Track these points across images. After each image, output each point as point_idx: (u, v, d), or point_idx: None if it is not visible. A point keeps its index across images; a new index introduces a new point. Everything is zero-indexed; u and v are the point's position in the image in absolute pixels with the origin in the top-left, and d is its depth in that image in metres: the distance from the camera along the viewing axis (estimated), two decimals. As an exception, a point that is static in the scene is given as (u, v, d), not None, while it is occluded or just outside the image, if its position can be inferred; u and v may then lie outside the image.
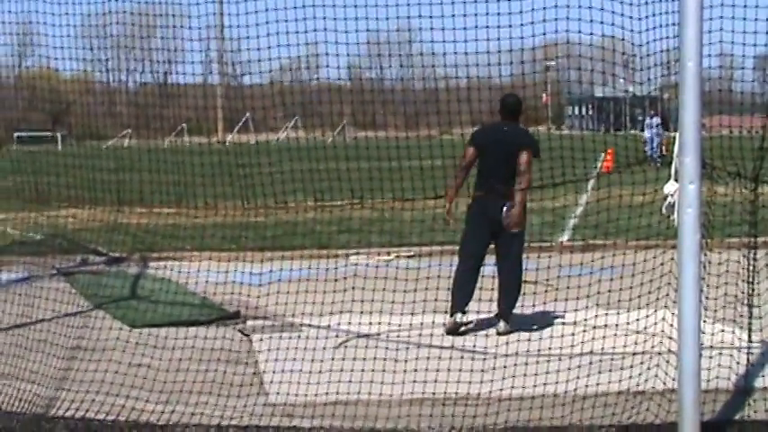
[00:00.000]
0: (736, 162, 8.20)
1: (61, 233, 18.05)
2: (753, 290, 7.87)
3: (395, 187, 12.47)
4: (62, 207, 18.50)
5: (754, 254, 7.84)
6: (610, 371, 8.92)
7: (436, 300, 9.93)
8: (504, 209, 10.57)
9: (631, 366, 8.58)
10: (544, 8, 8.18)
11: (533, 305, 10.70)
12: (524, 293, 10.79)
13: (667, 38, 7.48)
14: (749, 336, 8.05)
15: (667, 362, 7.94)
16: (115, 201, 15.91)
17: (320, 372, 8.61)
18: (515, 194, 10.58)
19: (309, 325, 10.94)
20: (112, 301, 12.71)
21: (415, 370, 8.56)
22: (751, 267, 7.83)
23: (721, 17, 7.83)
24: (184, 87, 14.98)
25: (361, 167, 12.73)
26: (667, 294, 8.11)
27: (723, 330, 8.53)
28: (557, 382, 8.32)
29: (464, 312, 10.64)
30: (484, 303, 10.48)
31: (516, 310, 10.91)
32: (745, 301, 7.89)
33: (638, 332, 9.52)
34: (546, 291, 10.82)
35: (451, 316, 10.63)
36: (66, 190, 12.99)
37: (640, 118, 46.62)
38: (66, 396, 8.28)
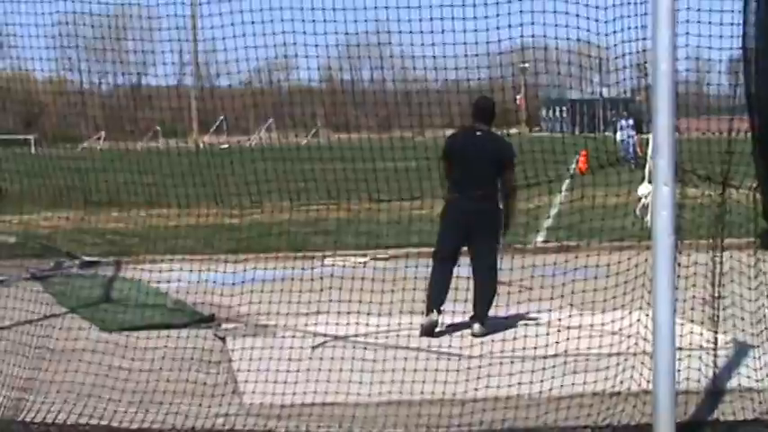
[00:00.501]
0: (706, 165, 8.26)
1: (35, 236, 17.96)
2: (719, 292, 7.93)
3: (370, 189, 12.46)
4: (35, 210, 18.42)
5: (721, 256, 7.89)
6: (585, 372, 8.95)
7: (413, 301, 9.95)
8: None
9: (606, 367, 8.62)
10: (520, 12, 8.23)
11: (508, 306, 10.72)
12: (499, 294, 10.81)
13: (638, 40, 7.52)
14: (715, 337, 8.09)
15: (642, 363, 7.97)
16: (88, 204, 15.84)
17: (296, 374, 8.59)
18: (502, 202, 10.92)
19: (284, 327, 10.92)
20: (86, 305, 12.66)
21: (392, 371, 8.56)
22: (717, 269, 7.88)
23: (687, 21, 7.88)
24: (158, 89, 14.91)
25: (336, 168, 12.73)
26: (642, 296, 8.14)
27: (692, 332, 8.57)
28: (531, 383, 8.34)
29: (440, 312, 10.65)
30: (459, 304, 10.49)
31: (491, 312, 10.92)
32: (714, 303, 7.93)
33: (612, 333, 9.56)
34: (520, 291, 10.84)
35: (427, 315, 10.64)
36: (40, 193, 12.93)
37: (614, 119, 46.79)
38: (39, 400, 8.23)
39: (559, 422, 7.68)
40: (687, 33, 7.86)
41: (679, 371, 7.62)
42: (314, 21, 9.19)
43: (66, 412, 7.97)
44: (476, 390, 8.29)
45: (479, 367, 8.73)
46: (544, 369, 8.65)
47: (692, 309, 8.39)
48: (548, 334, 9.61)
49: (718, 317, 8.01)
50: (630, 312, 8.97)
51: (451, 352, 9.68)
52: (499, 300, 10.93)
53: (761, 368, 8.18)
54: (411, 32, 9.06)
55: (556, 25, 8.15)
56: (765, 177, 7.91)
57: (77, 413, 7.96)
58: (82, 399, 8.36)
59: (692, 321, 8.59)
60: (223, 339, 10.89)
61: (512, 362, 8.99)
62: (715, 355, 8.14)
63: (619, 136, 41.11)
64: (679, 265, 7.70)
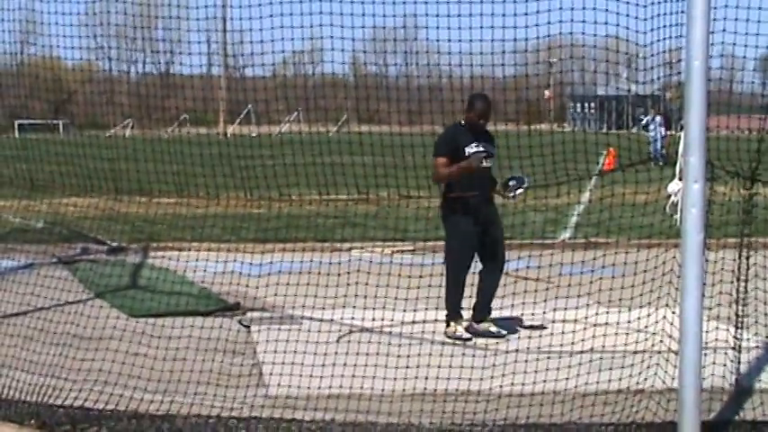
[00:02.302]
0: (734, 163, 8.22)
1: (62, 221, 18.06)
2: (746, 289, 7.89)
3: (398, 183, 12.46)
4: (63, 195, 18.50)
5: (747, 253, 7.86)
6: (610, 369, 8.91)
7: (439, 295, 9.93)
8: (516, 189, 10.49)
9: (632, 365, 8.59)
10: (549, 11, 8.20)
11: (534, 302, 10.70)
12: (526, 291, 10.75)
13: (670, 38, 7.48)
14: (741, 335, 8.05)
15: (666, 360, 7.95)
16: (115, 190, 15.91)
17: (320, 365, 8.60)
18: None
19: (310, 318, 10.94)
20: (112, 291, 12.73)
21: (418, 366, 8.56)
22: (744, 266, 7.85)
23: (725, 18, 7.83)
24: (187, 78, 14.96)
25: (365, 163, 12.73)
26: (668, 293, 8.11)
27: (717, 328, 8.53)
28: (557, 380, 8.32)
29: (462, 316, 10.55)
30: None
31: (518, 308, 10.90)
32: (741, 301, 7.90)
33: (638, 330, 9.52)
34: (547, 288, 10.80)
35: (460, 322, 10.55)
36: (68, 178, 12.98)
37: (642, 117, 46.60)
38: (65, 385, 8.28)
39: (584, 419, 7.66)
40: (724, 30, 7.81)
41: (703, 367, 7.59)
42: (344, 14, 9.18)
43: (91, 398, 8.01)
44: (500, 386, 8.28)
45: (504, 363, 8.72)
46: (569, 366, 8.63)
47: (719, 305, 8.34)
48: (573, 331, 9.59)
49: (744, 315, 7.96)
50: (656, 309, 8.94)
51: (476, 347, 9.68)
52: (526, 296, 10.91)
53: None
54: (438, 27, 9.05)
55: (574, 21, 8.13)
56: None
57: (103, 399, 8.00)
58: (107, 384, 8.41)
59: (718, 318, 8.55)
60: (248, 328, 10.93)
61: (537, 358, 8.97)
62: (739, 354, 8.10)
63: (651, 133, 40.88)
64: (706, 261, 7.67)
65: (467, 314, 10.56)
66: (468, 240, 10.41)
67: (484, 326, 10.49)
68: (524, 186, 10.47)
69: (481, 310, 10.57)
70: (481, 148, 10.41)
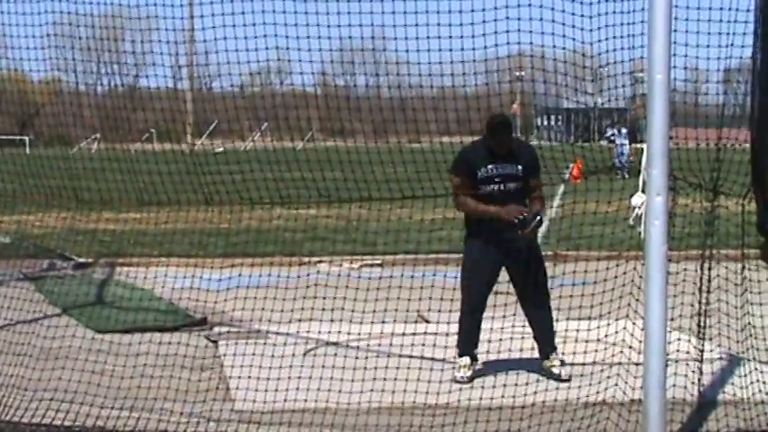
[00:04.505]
0: (696, 174, 8.29)
1: (28, 237, 17.96)
2: (708, 301, 7.96)
3: (362, 194, 12.47)
4: (29, 211, 18.42)
5: (710, 265, 7.92)
6: (571, 380, 8.99)
7: (407, 309, 9.94)
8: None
9: (593, 375, 8.66)
10: (510, 18, 8.24)
11: (496, 315, 10.71)
12: (495, 305, 10.71)
13: (633, 48, 7.55)
14: (703, 347, 8.11)
15: (627, 371, 8.01)
16: (81, 205, 15.86)
17: (287, 379, 8.60)
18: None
19: (276, 332, 10.93)
20: (78, 306, 12.66)
21: (384, 380, 8.57)
22: (706, 278, 7.92)
23: (686, 31, 7.91)
24: (153, 92, 14.93)
25: (331, 174, 12.74)
26: (629, 304, 8.18)
27: (680, 340, 8.61)
28: (525, 394, 8.34)
29: (476, 359, 9.55)
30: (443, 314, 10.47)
31: (486, 321, 10.87)
32: (703, 313, 7.96)
33: (598, 340, 9.59)
34: (505, 303, 10.82)
35: (461, 358, 9.46)
36: (33, 194, 12.93)
37: (609, 131, 46.90)
38: (30, 400, 8.24)
39: (549, 430, 7.70)
40: (686, 45, 7.88)
41: (666, 378, 7.65)
42: (311, 25, 9.20)
43: (56, 413, 7.97)
44: (468, 399, 8.31)
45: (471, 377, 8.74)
46: (532, 379, 8.68)
47: (681, 316, 8.41)
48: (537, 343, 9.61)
49: (707, 326, 8.03)
50: (617, 320, 9.00)
51: (442, 360, 9.68)
52: (489, 310, 10.92)
53: (746, 375, 8.21)
54: (405, 38, 9.06)
55: (544, 33, 8.17)
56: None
57: (68, 414, 7.96)
58: (73, 400, 8.36)
59: (680, 330, 8.62)
60: (215, 343, 10.91)
61: (501, 371, 9.01)
62: (702, 365, 8.16)
63: (612, 145, 41.21)
64: (668, 273, 7.74)
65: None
66: (476, 272, 9.32)
67: (546, 363, 9.39)
68: (540, 219, 9.22)
69: (542, 349, 9.46)
70: (503, 170, 9.20)
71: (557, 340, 9.48)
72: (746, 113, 7.88)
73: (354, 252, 17.21)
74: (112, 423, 7.87)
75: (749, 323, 8.20)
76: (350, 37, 9.54)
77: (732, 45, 7.89)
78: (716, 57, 8.23)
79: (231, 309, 11.31)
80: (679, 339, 8.60)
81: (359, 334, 10.47)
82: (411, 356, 9.94)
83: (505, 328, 10.13)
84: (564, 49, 8.29)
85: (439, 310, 10.30)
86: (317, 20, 9.06)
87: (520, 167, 9.23)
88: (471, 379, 9.23)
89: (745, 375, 8.21)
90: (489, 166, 9.20)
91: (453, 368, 9.39)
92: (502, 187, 9.18)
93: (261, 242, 17.47)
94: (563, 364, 9.35)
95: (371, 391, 8.41)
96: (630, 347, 8.17)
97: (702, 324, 7.96)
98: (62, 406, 8.18)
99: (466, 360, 9.33)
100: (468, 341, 9.37)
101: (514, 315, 9.77)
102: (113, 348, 9.92)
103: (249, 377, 8.74)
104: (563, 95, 10.38)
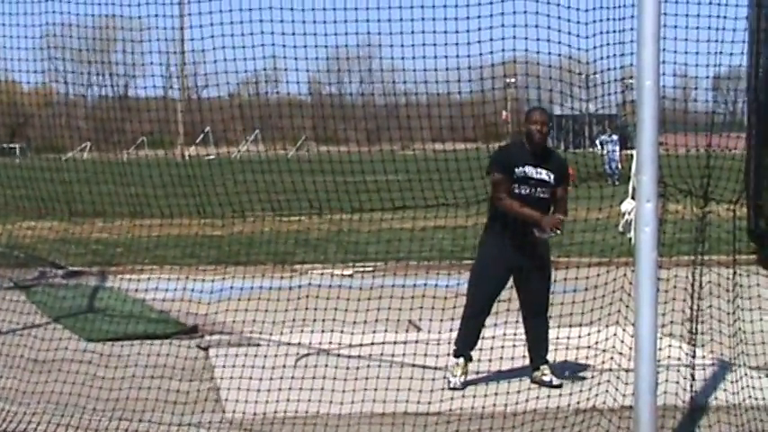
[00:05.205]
0: (686, 180, 8.30)
1: (19, 246, 17.93)
2: (700, 307, 7.96)
3: (353, 201, 12.48)
4: (20, 219, 18.39)
5: (701, 271, 7.93)
6: (563, 387, 8.98)
7: (398, 318, 9.93)
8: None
9: (584, 382, 8.64)
10: (502, 25, 8.26)
11: (487, 323, 10.70)
12: (496, 312, 10.67)
13: (623, 55, 7.57)
14: (694, 353, 8.12)
15: (618, 378, 8.01)
16: (73, 214, 15.84)
17: (278, 388, 8.59)
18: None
19: (267, 340, 10.91)
20: (69, 315, 12.63)
21: (375, 388, 8.56)
22: (698, 284, 7.92)
23: (675, 38, 7.93)
24: (144, 101, 14.94)
25: (323, 180, 12.75)
26: (619, 311, 8.19)
27: (671, 346, 8.61)
28: (516, 402, 8.33)
29: (470, 359, 9.46)
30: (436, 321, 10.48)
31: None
32: (695, 319, 7.97)
33: (589, 347, 9.58)
34: (498, 309, 10.83)
35: (456, 358, 9.39)
36: (25, 202, 12.93)
37: (599, 136, 46.96)
38: (21, 410, 8.22)
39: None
40: (675, 52, 7.90)
41: (658, 385, 7.66)
42: (300, 34, 9.21)
43: (48, 422, 7.95)
44: (461, 407, 8.31)
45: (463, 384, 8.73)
46: (527, 385, 8.67)
47: (672, 322, 8.42)
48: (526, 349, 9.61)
49: (698, 332, 8.04)
50: (607, 327, 9.01)
51: (434, 368, 9.67)
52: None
53: (737, 381, 8.22)
54: (394, 46, 9.06)
55: (538, 39, 8.18)
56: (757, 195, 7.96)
57: (59, 423, 7.94)
58: (64, 409, 8.35)
59: (671, 336, 8.62)
60: (206, 351, 10.88)
61: (493, 378, 9.01)
62: (694, 371, 8.17)
63: (603, 151, 41.27)
64: (659, 279, 7.75)
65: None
66: (487, 276, 9.27)
67: (536, 374, 9.34)
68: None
69: (533, 359, 9.42)
70: (537, 174, 9.14)
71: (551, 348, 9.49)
72: (736, 120, 7.90)
73: (346, 260, 17.20)
74: (102, 431, 7.85)
75: (740, 329, 8.21)
76: (345, 45, 9.57)
77: (721, 52, 7.93)
78: (705, 63, 8.26)
79: (222, 317, 11.29)
80: (670, 345, 8.60)
81: (350, 342, 10.46)
82: (403, 364, 9.93)
83: (497, 336, 10.14)
84: (559, 55, 8.31)
85: (430, 319, 10.31)
86: (309, 28, 9.09)
87: (552, 176, 9.18)
88: (464, 386, 9.19)
89: (737, 381, 8.22)
90: (527, 168, 9.12)
91: (447, 370, 9.36)
92: (533, 191, 9.12)
93: (252, 250, 17.47)
94: (553, 372, 9.33)
95: (363, 399, 8.40)
96: (621, 354, 8.17)
97: (694, 330, 7.96)
98: (52, 415, 8.17)
99: (460, 360, 9.30)
100: (466, 342, 9.35)
101: (506, 323, 9.76)
102: (104, 357, 9.89)
103: (240, 386, 8.72)
104: (555, 101, 10.37)
